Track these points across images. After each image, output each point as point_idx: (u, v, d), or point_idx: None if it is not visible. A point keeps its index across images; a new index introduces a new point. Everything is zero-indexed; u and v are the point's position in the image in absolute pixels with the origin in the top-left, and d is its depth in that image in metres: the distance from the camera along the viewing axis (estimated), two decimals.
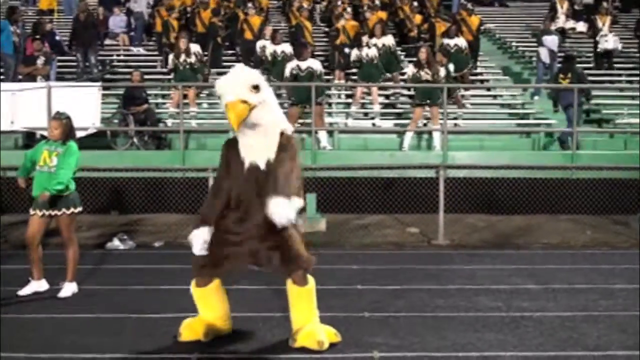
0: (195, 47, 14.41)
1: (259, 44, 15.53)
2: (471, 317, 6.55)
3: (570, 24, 18.67)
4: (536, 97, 15.58)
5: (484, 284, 7.91)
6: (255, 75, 5.44)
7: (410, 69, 13.45)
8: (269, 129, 5.45)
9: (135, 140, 13.00)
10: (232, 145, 5.59)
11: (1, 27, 14.75)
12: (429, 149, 13.15)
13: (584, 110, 14.51)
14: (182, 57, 14.04)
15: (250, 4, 17.00)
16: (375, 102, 14.48)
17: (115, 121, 13.64)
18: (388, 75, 14.86)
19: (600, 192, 11.50)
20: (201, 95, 14.96)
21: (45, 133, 10.71)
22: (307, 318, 5.63)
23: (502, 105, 15.45)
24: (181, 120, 12.37)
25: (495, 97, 16.08)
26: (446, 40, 15.41)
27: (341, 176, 11.67)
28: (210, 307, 5.79)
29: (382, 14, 17.29)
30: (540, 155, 13.10)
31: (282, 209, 5.10)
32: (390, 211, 11.63)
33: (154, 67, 16.88)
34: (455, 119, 14.24)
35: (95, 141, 12.25)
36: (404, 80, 14.47)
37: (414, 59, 13.83)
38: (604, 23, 17.14)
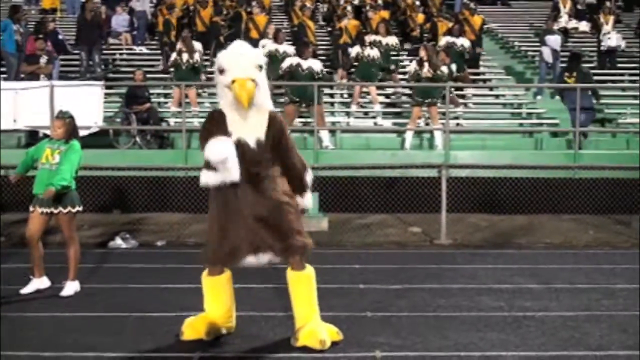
0: (198, 46, 14.42)
1: (261, 43, 15.50)
2: (473, 317, 6.55)
3: (573, 23, 18.63)
4: (539, 97, 15.55)
5: (486, 283, 7.91)
6: (261, 55, 5.82)
7: (412, 66, 13.40)
8: (261, 109, 5.60)
9: (137, 139, 12.99)
10: (218, 119, 5.55)
11: (4, 25, 14.76)
12: (431, 148, 13.13)
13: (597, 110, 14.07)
14: (185, 56, 14.03)
15: (254, 3, 16.98)
16: (375, 102, 14.46)
17: (118, 120, 13.63)
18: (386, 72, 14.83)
19: (602, 192, 11.49)
20: (203, 94, 14.95)
21: (48, 132, 10.75)
22: (308, 305, 5.63)
23: (505, 105, 15.44)
24: (183, 119, 12.37)
25: (497, 96, 16.05)
26: (450, 39, 15.37)
27: (343, 175, 11.66)
28: (218, 299, 5.79)
29: (385, 14, 17.28)
30: (543, 154, 13.06)
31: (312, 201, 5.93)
32: (392, 210, 11.63)
33: (157, 66, 16.87)
34: (457, 118, 14.22)
35: (98, 140, 12.22)
36: (405, 80, 14.45)
37: (416, 57, 13.79)
38: (607, 22, 17.11)
